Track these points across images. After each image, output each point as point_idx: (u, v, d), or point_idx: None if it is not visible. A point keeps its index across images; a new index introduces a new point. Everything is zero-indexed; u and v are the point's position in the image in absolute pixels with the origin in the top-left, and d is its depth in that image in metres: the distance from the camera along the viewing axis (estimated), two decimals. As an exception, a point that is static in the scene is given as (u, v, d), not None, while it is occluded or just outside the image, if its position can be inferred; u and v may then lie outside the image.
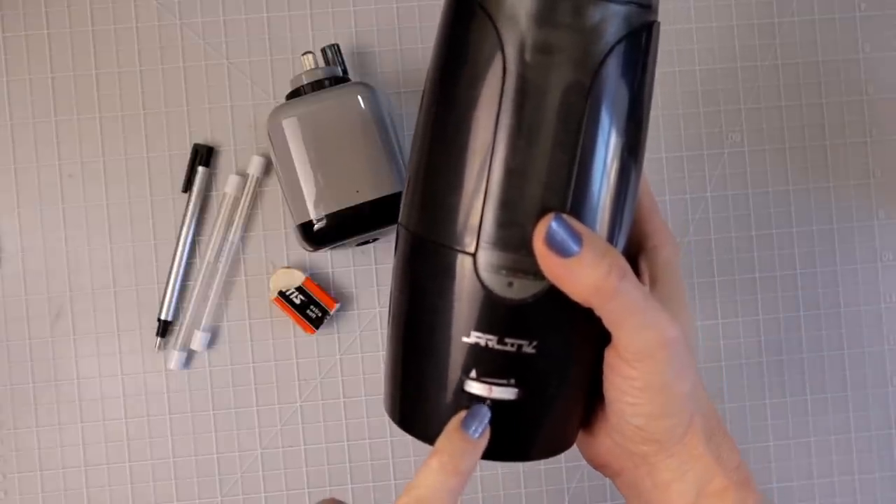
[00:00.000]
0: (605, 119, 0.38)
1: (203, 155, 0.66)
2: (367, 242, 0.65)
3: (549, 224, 0.38)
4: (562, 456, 0.68)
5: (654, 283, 0.43)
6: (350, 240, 0.62)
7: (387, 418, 0.67)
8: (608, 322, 0.40)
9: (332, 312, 0.66)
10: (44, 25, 0.66)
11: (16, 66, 0.66)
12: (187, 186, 0.67)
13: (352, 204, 0.60)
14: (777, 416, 0.69)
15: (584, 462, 0.66)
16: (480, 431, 0.41)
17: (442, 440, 0.41)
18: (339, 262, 0.67)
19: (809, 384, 0.69)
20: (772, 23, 0.69)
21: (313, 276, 0.67)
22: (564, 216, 0.38)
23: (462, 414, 0.41)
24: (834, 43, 0.69)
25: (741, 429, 0.68)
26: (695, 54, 0.69)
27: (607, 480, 0.67)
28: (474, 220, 0.39)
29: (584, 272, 0.38)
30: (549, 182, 0.38)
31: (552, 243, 0.38)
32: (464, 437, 0.41)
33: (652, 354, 0.40)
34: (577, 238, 0.38)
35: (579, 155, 0.38)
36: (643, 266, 0.44)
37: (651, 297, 0.40)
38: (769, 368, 0.69)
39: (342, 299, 0.67)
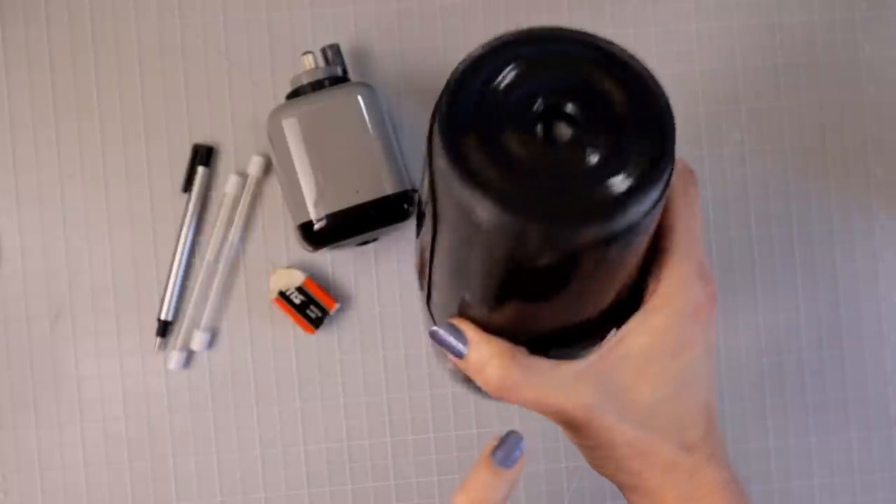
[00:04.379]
0: None
1: (203, 155, 0.66)
2: (367, 242, 0.65)
3: (431, 332, 0.43)
4: (562, 457, 0.68)
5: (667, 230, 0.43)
6: (350, 240, 0.62)
7: (387, 418, 0.67)
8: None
9: (332, 312, 0.66)
10: (43, 25, 0.66)
11: (16, 66, 0.66)
12: (187, 186, 0.67)
13: (352, 204, 0.60)
14: (777, 416, 0.69)
15: (583, 463, 0.66)
16: (513, 462, 0.42)
17: (469, 476, 0.42)
18: (339, 262, 0.67)
19: (809, 384, 0.69)
20: (772, 23, 0.69)
21: (313, 276, 0.67)
22: (442, 325, 0.42)
23: (492, 443, 0.42)
24: (834, 43, 0.69)
25: (741, 429, 0.68)
26: (695, 54, 0.69)
27: (607, 482, 0.67)
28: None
29: (477, 374, 0.42)
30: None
31: (442, 346, 0.42)
32: (492, 470, 0.41)
33: (569, 429, 0.43)
34: (462, 340, 0.42)
35: None
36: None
37: (546, 368, 0.42)
38: (769, 368, 0.69)
39: (342, 299, 0.67)
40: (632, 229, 0.37)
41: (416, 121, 0.67)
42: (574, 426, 0.42)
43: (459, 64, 0.38)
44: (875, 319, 0.69)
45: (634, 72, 0.38)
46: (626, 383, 0.42)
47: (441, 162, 0.37)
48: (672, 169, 0.37)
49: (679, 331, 0.41)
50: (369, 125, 0.61)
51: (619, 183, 0.36)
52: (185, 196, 0.67)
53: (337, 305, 0.66)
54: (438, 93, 0.67)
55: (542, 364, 0.42)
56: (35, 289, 0.66)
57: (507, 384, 0.41)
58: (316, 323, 0.66)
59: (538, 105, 0.37)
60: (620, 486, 0.46)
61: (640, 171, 0.36)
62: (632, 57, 0.39)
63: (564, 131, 0.38)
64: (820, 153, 0.69)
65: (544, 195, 0.36)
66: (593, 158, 0.37)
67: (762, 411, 0.69)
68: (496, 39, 0.39)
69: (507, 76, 0.38)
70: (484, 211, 0.36)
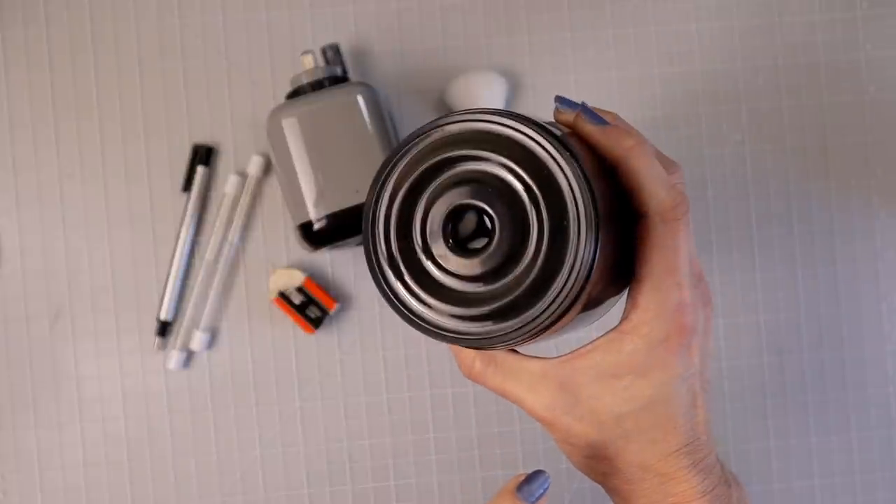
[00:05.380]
0: None
1: (203, 155, 0.66)
2: (367, 242, 0.65)
3: None
4: (562, 457, 0.68)
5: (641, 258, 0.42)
6: (350, 240, 0.62)
7: (387, 418, 0.67)
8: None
9: (331, 312, 0.66)
10: (43, 25, 0.66)
11: (15, 65, 0.66)
12: (187, 186, 0.66)
13: (352, 204, 0.60)
14: (777, 416, 0.69)
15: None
16: (536, 498, 0.42)
17: (493, 502, 0.42)
18: (339, 262, 0.67)
19: (810, 384, 0.69)
20: (772, 22, 0.69)
21: (313, 276, 0.66)
22: None
23: (519, 477, 0.42)
24: (835, 43, 0.69)
25: (741, 429, 0.68)
26: (695, 54, 0.69)
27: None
28: None
29: (456, 355, 0.45)
30: None
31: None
32: (515, 502, 0.42)
33: (539, 422, 0.44)
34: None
35: None
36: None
37: (512, 363, 0.43)
38: (769, 368, 0.69)
39: (342, 299, 0.67)
40: (577, 300, 0.38)
41: (416, 121, 0.67)
42: (541, 422, 0.43)
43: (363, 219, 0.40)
44: (876, 319, 0.69)
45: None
46: (591, 391, 0.42)
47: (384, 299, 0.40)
48: (591, 256, 0.37)
49: (646, 356, 0.41)
50: (369, 125, 0.61)
51: (547, 289, 0.38)
52: (185, 196, 0.67)
53: (337, 305, 0.66)
54: (438, 93, 0.67)
55: (509, 359, 0.43)
56: (34, 289, 0.66)
57: (472, 372, 0.44)
58: (316, 323, 0.66)
59: (448, 238, 0.39)
60: (599, 484, 0.46)
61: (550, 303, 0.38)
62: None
63: (480, 245, 0.39)
64: (820, 153, 0.69)
65: (483, 323, 0.38)
66: (515, 275, 0.38)
67: (762, 411, 0.69)
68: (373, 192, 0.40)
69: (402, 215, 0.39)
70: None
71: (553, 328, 0.38)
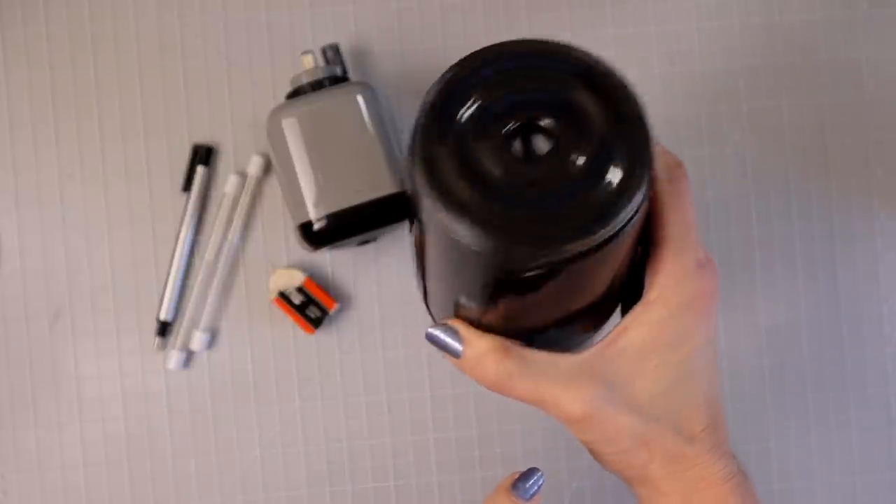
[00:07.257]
0: None
1: (203, 154, 0.66)
2: (367, 242, 0.65)
3: (427, 334, 0.44)
4: (562, 457, 0.68)
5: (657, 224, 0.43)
6: (350, 240, 0.62)
7: (387, 418, 0.67)
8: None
9: (331, 312, 0.66)
10: (42, 24, 0.66)
11: (14, 64, 0.66)
12: (187, 186, 0.66)
13: (352, 204, 0.60)
14: (777, 416, 0.69)
15: (585, 462, 0.66)
16: (531, 495, 0.42)
17: (489, 499, 0.42)
18: (339, 262, 0.67)
19: (810, 384, 0.69)
20: (772, 22, 0.69)
21: (313, 276, 0.66)
22: (437, 326, 0.44)
23: (514, 475, 0.43)
24: (835, 42, 0.69)
25: (741, 429, 0.68)
26: (695, 54, 0.69)
27: (607, 481, 0.67)
28: None
29: (473, 370, 0.43)
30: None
31: (438, 347, 0.44)
32: (510, 499, 0.42)
33: (570, 424, 0.43)
34: (458, 339, 0.44)
35: None
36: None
37: (542, 361, 0.42)
38: (770, 369, 0.69)
39: (342, 299, 0.67)
40: (614, 238, 0.37)
41: (416, 120, 0.67)
42: (574, 420, 0.43)
43: (431, 87, 0.38)
44: (876, 320, 0.69)
45: (607, 81, 0.38)
46: (625, 376, 0.42)
47: (421, 185, 0.37)
48: (650, 174, 0.37)
49: (677, 324, 0.41)
50: (369, 125, 0.61)
51: (599, 195, 0.37)
52: (185, 196, 0.67)
53: (337, 305, 0.66)
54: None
55: (538, 356, 0.42)
56: (34, 289, 0.66)
57: (502, 377, 0.42)
58: (316, 323, 0.66)
59: (513, 122, 0.38)
60: (627, 480, 0.46)
61: (619, 181, 0.37)
62: (602, 65, 0.39)
63: (542, 146, 0.38)
64: (820, 153, 0.69)
65: (526, 216, 0.36)
66: (571, 173, 0.37)
67: (762, 411, 0.69)
68: (466, 58, 0.39)
69: (479, 97, 0.38)
70: (467, 235, 0.36)
71: (607, 247, 0.37)
